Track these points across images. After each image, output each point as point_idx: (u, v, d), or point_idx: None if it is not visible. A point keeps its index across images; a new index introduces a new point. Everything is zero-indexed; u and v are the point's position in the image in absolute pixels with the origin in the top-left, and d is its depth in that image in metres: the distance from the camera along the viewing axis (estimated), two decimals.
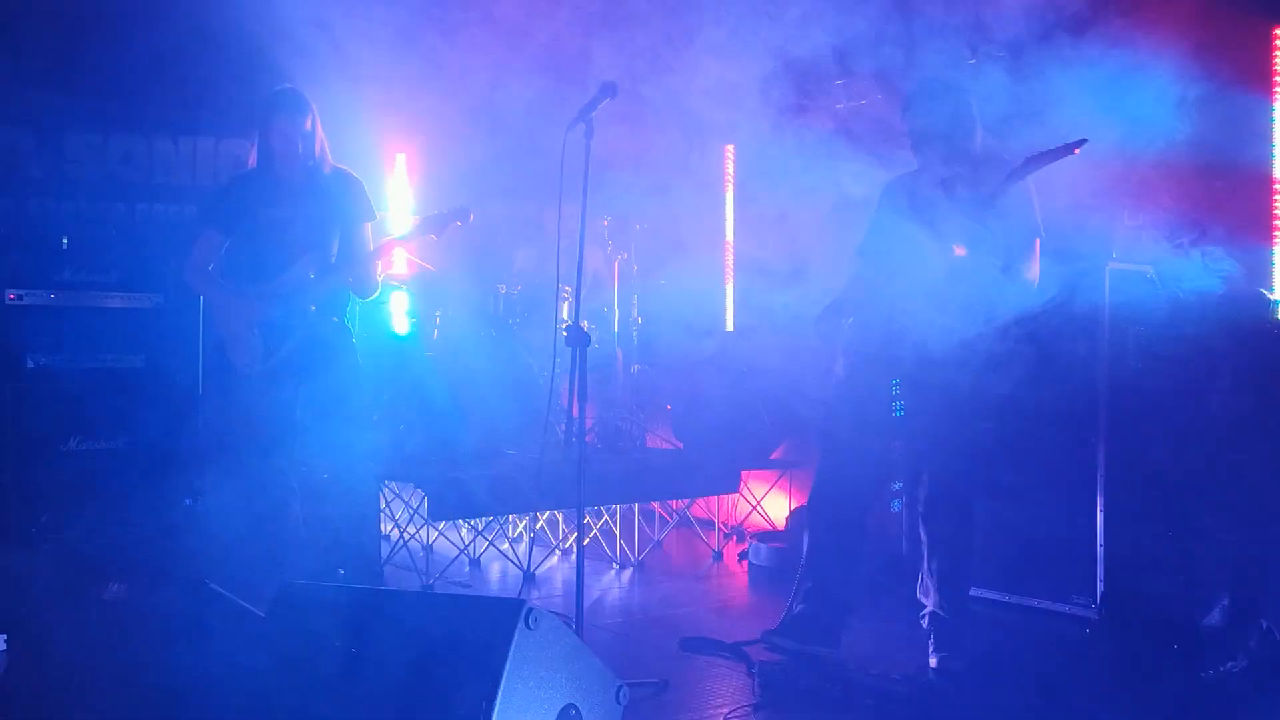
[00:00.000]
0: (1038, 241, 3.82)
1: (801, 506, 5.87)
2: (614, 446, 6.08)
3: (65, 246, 5.34)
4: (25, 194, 5.63)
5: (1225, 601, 3.96)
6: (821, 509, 4.06)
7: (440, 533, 5.79)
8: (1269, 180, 4.61)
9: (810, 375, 4.82)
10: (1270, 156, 4.61)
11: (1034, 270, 3.81)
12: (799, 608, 4.02)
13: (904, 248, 3.87)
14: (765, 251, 6.29)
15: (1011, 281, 3.74)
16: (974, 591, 4.24)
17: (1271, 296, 4.47)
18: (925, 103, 3.88)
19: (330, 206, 4.35)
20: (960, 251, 3.70)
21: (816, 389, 4.49)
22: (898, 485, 3.93)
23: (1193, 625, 3.98)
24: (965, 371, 3.70)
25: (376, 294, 4.50)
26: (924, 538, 3.91)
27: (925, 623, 3.90)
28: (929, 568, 3.92)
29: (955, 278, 3.72)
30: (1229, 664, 3.73)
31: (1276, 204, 4.60)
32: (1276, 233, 4.59)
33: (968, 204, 3.72)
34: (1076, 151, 3.49)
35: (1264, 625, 3.85)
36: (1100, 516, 4.29)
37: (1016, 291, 3.77)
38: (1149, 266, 4.41)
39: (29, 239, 5.35)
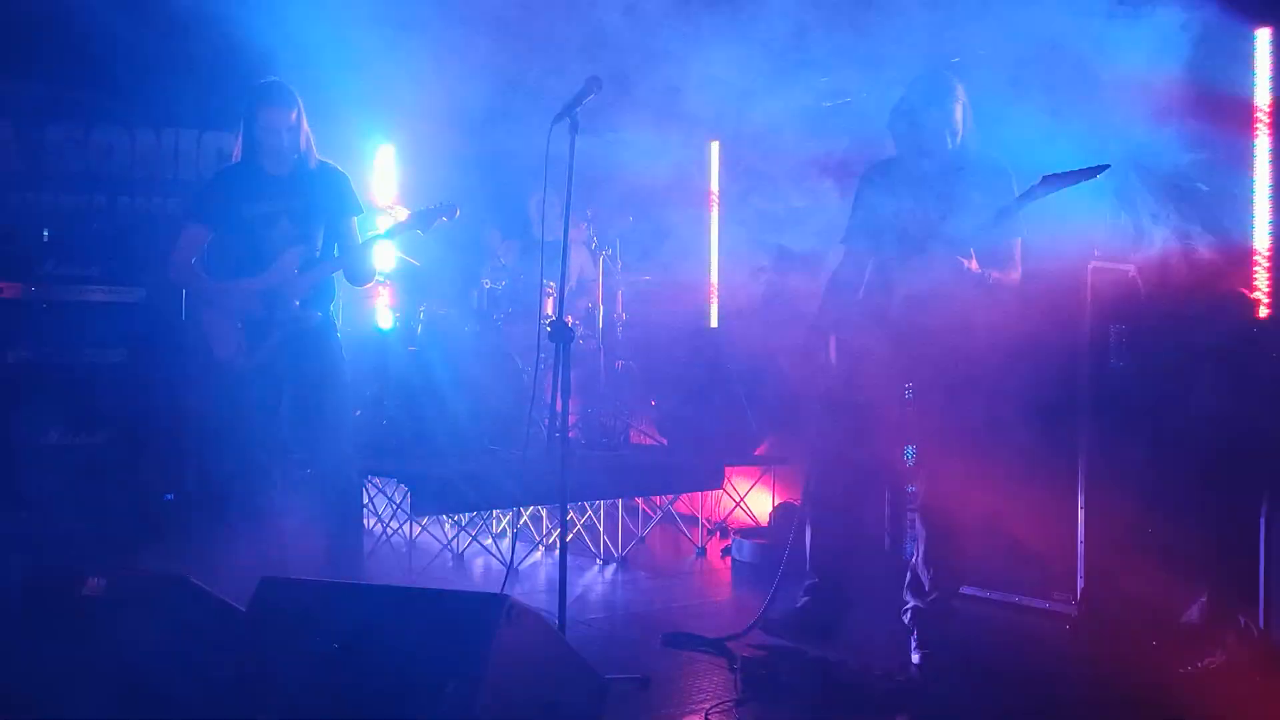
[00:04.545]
0: (1018, 243, 3.84)
1: (786, 502, 5.89)
2: (598, 442, 6.08)
3: (46, 239, 5.31)
4: (5, 186, 5.59)
5: (1203, 598, 3.99)
6: (822, 505, 4.08)
7: (423, 528, 5.78)
8: (1250, 180, 4.62)
9: (795, 372, 4.83)
10: (1252, 147, 4.62)
11: (1015, 273, 3.82)
12: (803, 600, 4.07)
13: (887, 231, 3.88)
14: (750, 248, 6.31)
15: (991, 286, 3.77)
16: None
17: (1251, 296, 4.49)
18: (926, 101, 3.89)
19: (315, 201, 4.34)
20: (973, 266, 3.70)
21: (801, 385, 4.50)
22: (912, 489, 3.94)
23: (1171, 621, 4.01)
24: (960, 368, 3.73)
25: (373, 279, 4.55)
26: (916, 535, 3.93)
27: (908, 619, 3.92)
28: (919, 565, 3.94)
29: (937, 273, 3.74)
30: (1207, 660, 3.76)
31: (1257, 195, 4.60)
32: (1256, 228, 4.60)
33: (972, 206, 3.74)
34: (1098, 176, 3.44)
35: (1242, 622, 3.88)
36: (1081, 514, 4.32)
37: (1000, 292, 3.80)
38: (1131, 265, 4.43)
39: (9, 232, 5.31)
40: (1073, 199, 4.18)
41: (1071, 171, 3.47)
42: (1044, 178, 3.51)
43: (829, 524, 4.12)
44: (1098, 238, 4.44)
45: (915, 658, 3.82)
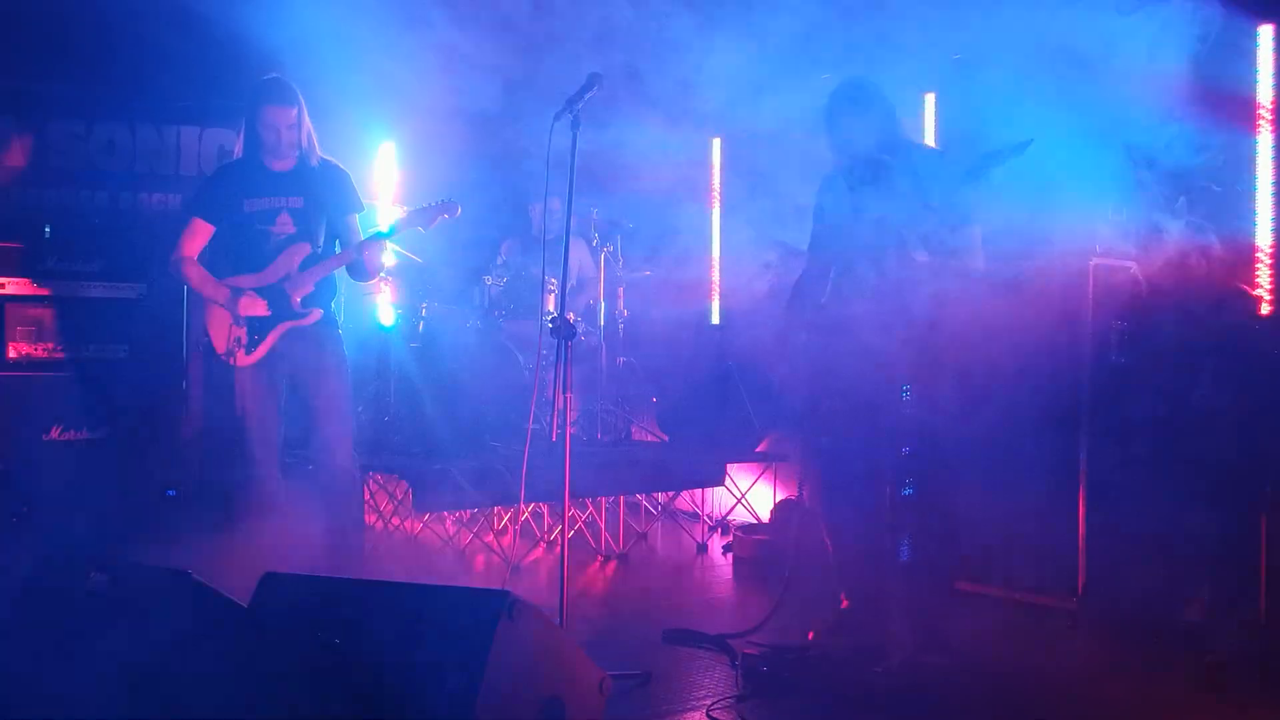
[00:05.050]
0: (978, 231, 3.83)
1: (787, 499, 5.89)
2: (599, 439, 6.08)
3: (48, 235, 5.32)
4: (7, 182, 5.60)
5: (1205, 594, 3.99)
6: (839, 515, 4.09)
7: (424, 524, 5.78)
8: (1252, 177, 4.60)
9: (790, 371, 4.83)
10: (1254, 152, 4.62)
11: (976, 261, 3.82)
12: (847, 605, 4.08)
13: (848, 238, 3.89)
14: (755, 246, 6.31)
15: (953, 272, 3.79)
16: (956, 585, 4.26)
17: (1251, 292, 4.49)
18: (846, 108, 3.92)
19: (317, 198, 4.35)
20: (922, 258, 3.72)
21: (799, 383, 4.50)
22: (909, 491, 3.91)
23: (1173, 617, 4.01)
24: (939, 367, 3.75)
25: (379, 275, 4.54)
26: (907, 535, 3.90)
27: (907, 618, 3.89)
28: (913, 563, 3.91)
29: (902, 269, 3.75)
30: (1209, 656, 3.76)
31: (1259, 199, 4.60)
32: (1258, 228, 4.60)
33: (900, 199, 3.76)
34: (1025, 152, 3.54)
35: (1243, 617, 3.88)
36: (1082, 509, 4.32)
37: (961, 280, 3.83)
38: (1132, 263, 4.43)
39: (11, 228, 5.32)
40: (1074, 195, 4.18)
41: (1001, 150, 3.60)
42: (978, 158, 3.65)
43: (851, 533, 4.10)
44: (1100, 234, 4.44)
45: (916, 656, 3.78)
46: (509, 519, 5.97)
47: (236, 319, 4.28)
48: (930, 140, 5.84)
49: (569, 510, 3.77)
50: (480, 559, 5.65)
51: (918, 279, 3.73)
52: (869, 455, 3.96)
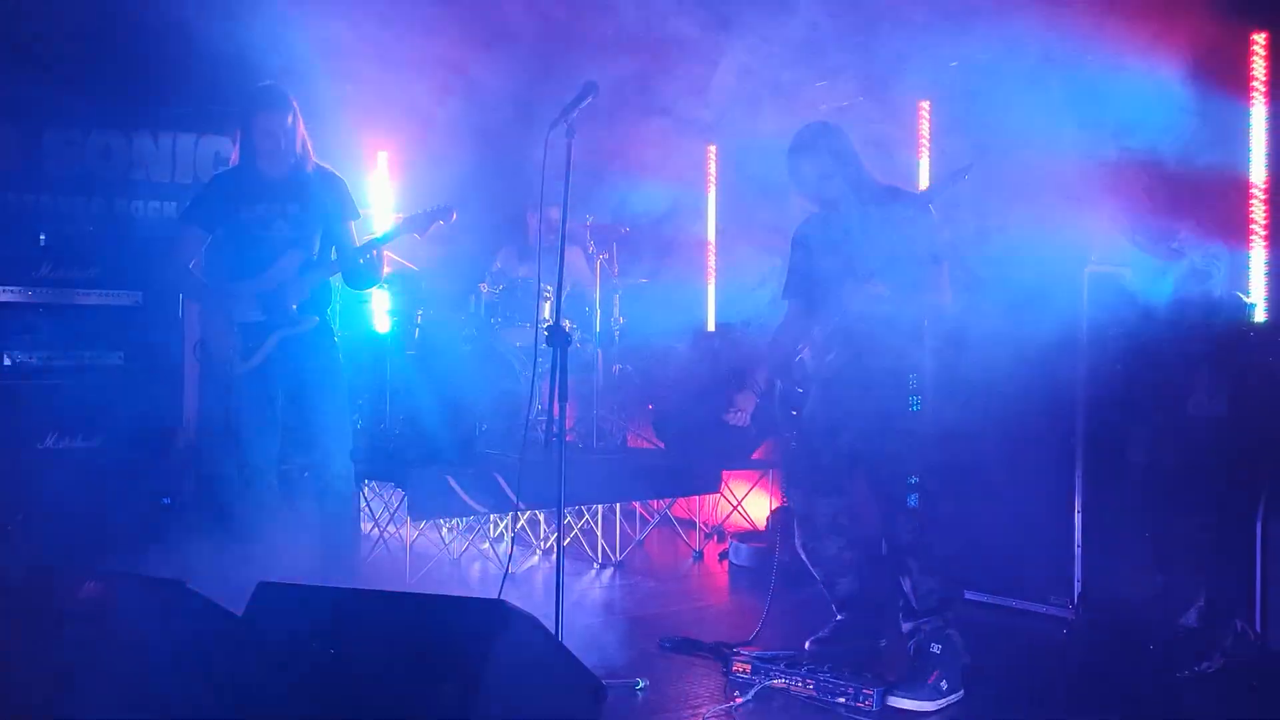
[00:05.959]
0: (945, 266, 3.81)
1: (783, 506, 5.88)
2: (595, 446, 6.08)
3: (43, 243, 5.31)
4: (2, 189, 5.58)
5: (1201, 602, 3.99)
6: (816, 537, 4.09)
7: (420, 532, 5.77)
8: (1246, 185, 4.64)
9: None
10: (1248, 161, 4.65)
11: (943, 295, 3.79)
12: (841, 616, 4.06)
13: (823, 285, 3.90)
14: (753, 254, 6.31)
15: (919, 308, 3.80)
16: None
17: (1247, 300, 4.50)
18: (805, 153, 3.91)
19: (313, 205, 4.35)
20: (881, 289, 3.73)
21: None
22: (914, 480, 3.87)
23: (1169, 625, 4.01)
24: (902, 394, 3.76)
25: (378, 283, 4.54)
26: (910, 549, 3.82)
27: (913, 651, 3.74)
28: (917, 583, 3.80)
29: (874, 307, 3.75)
30: (1204, 664, 3.76)
31: (1254, 208, 4.63)
32: (1253, 237, 4.63)
33: (872, 237, 3.76)
34: (966, 178, 3.59)
35: (1239, 625, 3.88)
36: (1078, 518, 4.32)
37: (929, 315, 3.86)
38: (1127, 269, 4.44)
39: (6, 235, 5.31)
40: (1072, 199, 4.19)
41: (944, 178, 3.73)
42: (926, 189, 3.66)
43: (839, 557, 4.08)
44: (1095, 240, 4.45)
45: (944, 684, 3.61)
46: (505, 527, 5.96)
47: (232, 326, 4.28)
48: (925, 147, 5.87)
49: (564, 518, 3.77)
50: (476, 567, 5.64)
51: (881, 308, 3.74)
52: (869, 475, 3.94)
